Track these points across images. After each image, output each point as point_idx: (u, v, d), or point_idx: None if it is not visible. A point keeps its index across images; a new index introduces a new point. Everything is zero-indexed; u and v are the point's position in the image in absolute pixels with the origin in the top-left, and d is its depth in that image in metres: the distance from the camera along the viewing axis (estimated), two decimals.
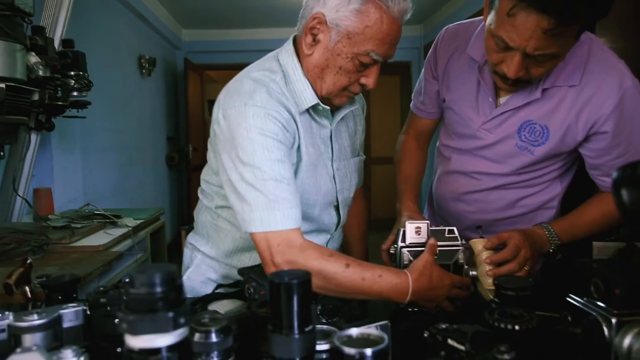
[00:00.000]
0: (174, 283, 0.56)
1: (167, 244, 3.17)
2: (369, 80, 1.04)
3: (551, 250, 1.18)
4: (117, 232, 2.16)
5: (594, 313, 0.77)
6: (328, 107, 1.09)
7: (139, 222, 2.38)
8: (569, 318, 0.82)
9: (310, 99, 1.06)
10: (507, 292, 0.83)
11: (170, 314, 0.55)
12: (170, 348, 0.56)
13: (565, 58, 1.07)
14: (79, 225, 2.06)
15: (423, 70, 1.41)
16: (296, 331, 0.67)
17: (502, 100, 1.22)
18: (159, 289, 0.55)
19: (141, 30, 4.64)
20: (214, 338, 0.72)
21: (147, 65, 4.62)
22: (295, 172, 1.07)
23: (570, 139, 1.17)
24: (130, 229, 2.20)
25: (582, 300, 0.81)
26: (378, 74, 1.05)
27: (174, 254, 3.39)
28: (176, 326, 0.55)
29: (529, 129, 1.18)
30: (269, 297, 0.70)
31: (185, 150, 5.79)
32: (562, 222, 1.22)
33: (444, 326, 0.73)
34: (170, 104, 5.72)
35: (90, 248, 1.89)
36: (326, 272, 0.94)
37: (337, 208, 1.20)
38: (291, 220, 0.96)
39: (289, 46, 1.09)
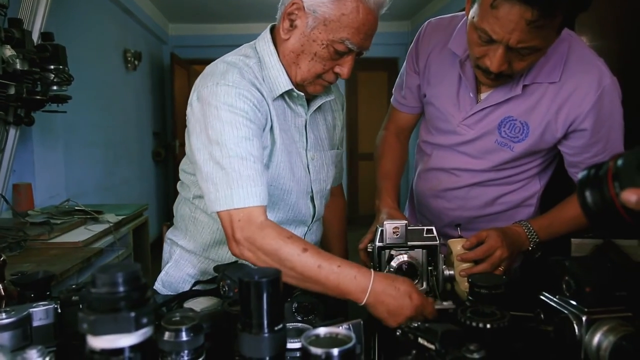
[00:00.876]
0: (137, 282, 0.55)
1: (152, 240, 3.14)
2: (343, 69, 1.05)
3: (530, 249, 1.19)
4: (98, 228, 2.13)
5: (565, 311, 0.77)
6: (302, 94, 1.10)
7: (120, 218, 2.35)
8: (542, 316, 0.83)
9: (285, 84, 1.07)
10: (481, 290, 0.83)
11: (132, 314, 0.53)
12: (133, 348, 0.55)
13: (546, 54, 1.08)
14: (58, 221, 2.03)
15: (405, 63, 1.40)
16: (266, 330, 0.66)
17: (482, 96, 1.22)
18: (120, 289, 0.54)
19: (126, 24, 4.59)
20: (184, 337, 0.71)
21: (132, 59, 4.57)
22: (270, 156, 1.08)
23: (550, 136, 1.17)
24: (111, 224, 2.17)
25: (554, 298, 0.81)
26: (352, 64, 1.05)
27: (158, 250, 3.36)
28: (138, 326, 0.54)
29: (509, 125, 1.19)
30: (239, 296, 0.69)
31: (172, 145, 5.75)
32: (541, 220, 1.22)
33: (415, 325, 0.73)
34: (156, 99, 5.67)
35: (69, 244, 1.87)
36: (281, 253, 0.92)
37: (312, 199, 1.20)
38: (255, 197, 0.96)
39: (266, 34, 1.11)
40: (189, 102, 1.06)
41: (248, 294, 0.66)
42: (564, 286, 0.79)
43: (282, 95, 1.09)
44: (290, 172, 1.12)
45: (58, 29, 2.57)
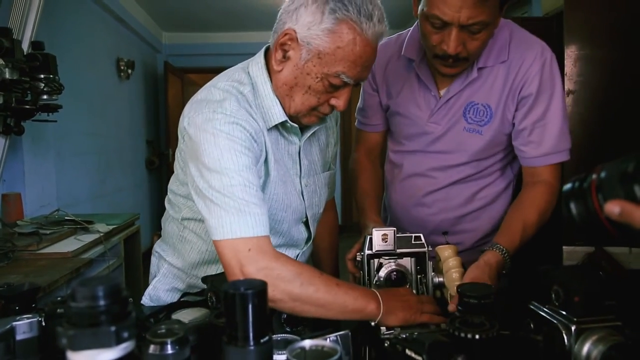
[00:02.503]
0: (118, 296, 0.54)
1: (144, 249, 3.11)
2: (339, 102, 1.00)
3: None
4: (89, 238, 2.11)
5: (554, 321, 0.77)
6: (296, 125, 1.06)
7: (111, 227, 2.33)
8: (531, 325, 0.82)
9: (279, 116, 1.02)
10: (470, 300, 0.83)
11: (113, 328, 0.52)
12: None
13: (493, 39, 1.19)
14: (47, 232, 2.01)
15: (362, 85, 1.41)
16: (251, 342, 0.65)
17: (442, 91, 1.27)
18: (101, 302, 0.53)
19: (119, 33, 4.59)
20: (169, 349, 0.70)
21: (125, 68, 4.56)
22: (263, 188, 1.04)
23: (509, 113, 1.23)
24: (101, 234, 2.15)
25: (544, 308, 0.81)
26: (349, 96, 1.01)
27: (150, 260, 3.32)
28: (119, 340, 0.53)
29: (473, 110, 1.24)
30: (223, 308, 0.68)
31: (166, 154, 5.73)
32: (510, 236, 1.15)
33: (403, 335, 0.73)
34: (150, 108, 5.66)
35: (58, 255, 1.84)
36: (304, 277, 0.89)
37: (306, 224, 1.17)
38: (262, 227, 0.91)
39: (259, 58, 1.05)
40: (180, 128, 1.02)
41: (233, 306, 0.65)
42: (553, 295, 0.78)
43: (275, 125, 1.05)
44: (284, 203, 1.08)
45: (50, 38, 2.56)
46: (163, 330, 0.72)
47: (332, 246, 1.44)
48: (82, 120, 3.61)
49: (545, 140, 1.20)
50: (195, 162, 0.95)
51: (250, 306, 0.65)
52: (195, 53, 6.07)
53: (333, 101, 1.00)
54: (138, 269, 2.74)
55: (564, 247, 1.42)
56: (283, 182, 1.08)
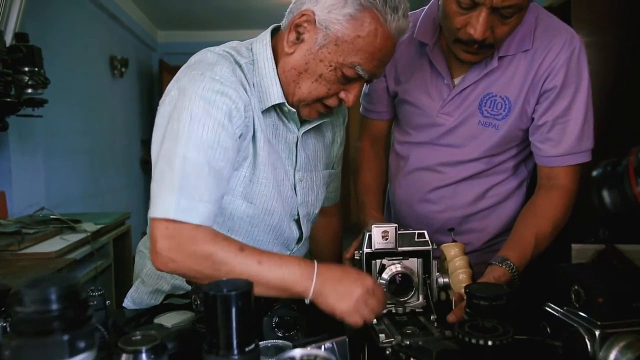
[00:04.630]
0: (74, 299, 0.46)
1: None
2: (349, 96, 0.94)
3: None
4: (75, 237, 2.02)
5: (575, 324, 0.69)
6: (294, 110, 0.98)
7: (99, 227, 2.24)
8: (547, 329, 0.74)
9: (276, 96, 0.95)
10: (480, 302, 0.75)
11: (66, 337, 0.45)
12: None
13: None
14: (31, 231, 1.92)
15: None
16: (235, 351, 0.58)
17: (457, 80, 1.17)
18: (53, 307, 0.45)
19: (113, 30, 4.51)
20: (144, 358, 0.62)
21: (119, 66, 4.48)
22: (253, 169, 0.97)
23: (529, 106, 1.14)
24: (89, 234, 2.07)
25: (561, 310, 0.73)
26: (360, 91, 0.95)
27: None
28: (74, 352, 0.45)
29: (490, 102, 1.15)
30: (203, 312, 0.60)
31: None
32: (518, 251, 1.06)
33: (407, 342, 0.65)
34: (145, 107, 5.58)
35: (41, 255, 1.76)
36: (216, 257, 0.81)
37: (298, 222, 1.10)
38: (196, 215, 0.81)
39: (265, 37, 0.98)
40: (164, 95, 0.94)
41: (214, 309, 0.58)
42: (573, 296, 0.71)
43: (274, 107, 0.98)
44: (276, 190, 1.01)
45: (41, 35, 2.49)
46: (138, 337, 0.64)
47: (335, 255, 1.34)
48: (74, 118, 3.53)
49: (565, 139, 1.10)
50: (160, 126, 0.89)
51: (233, 310, 0.57)
52: (191, 51, 5.75)
53: (342, 94, 0.95)
54: (128, 270, 2.65)
55: (572, 244, 1.34)
56: (273, 167, 1.00)
